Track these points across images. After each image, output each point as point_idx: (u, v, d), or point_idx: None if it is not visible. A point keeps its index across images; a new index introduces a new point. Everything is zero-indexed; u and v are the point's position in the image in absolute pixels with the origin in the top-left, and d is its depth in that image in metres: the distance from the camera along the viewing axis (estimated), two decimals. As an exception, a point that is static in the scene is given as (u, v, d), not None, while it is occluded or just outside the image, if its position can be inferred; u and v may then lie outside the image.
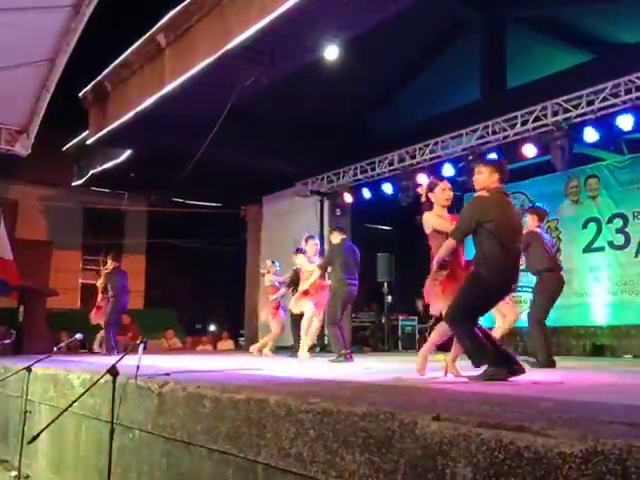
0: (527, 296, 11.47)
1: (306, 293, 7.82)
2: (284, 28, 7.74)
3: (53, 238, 18.73)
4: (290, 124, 11.31)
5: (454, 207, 5.18)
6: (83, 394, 4.08)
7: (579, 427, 1.98)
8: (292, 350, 9.16)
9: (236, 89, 8.87)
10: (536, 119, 8.87)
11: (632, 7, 8.96)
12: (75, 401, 4.06)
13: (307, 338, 7.87)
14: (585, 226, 10.40)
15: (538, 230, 6.57)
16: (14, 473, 5.42)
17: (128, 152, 12.86)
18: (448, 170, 10.20)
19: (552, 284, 6.34)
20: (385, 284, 12.39)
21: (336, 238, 7.82)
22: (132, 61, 10.53)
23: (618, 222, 9.98)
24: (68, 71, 9.01)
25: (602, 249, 10.17)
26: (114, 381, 3.71)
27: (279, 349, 10.29)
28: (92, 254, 21.86)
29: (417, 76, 11.53)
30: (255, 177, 12.94)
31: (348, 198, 12.07)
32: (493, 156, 9.02)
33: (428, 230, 4.94)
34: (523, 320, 6.72)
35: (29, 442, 4.02)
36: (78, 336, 5.88)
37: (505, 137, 9.30)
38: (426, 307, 5.04)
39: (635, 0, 8.80)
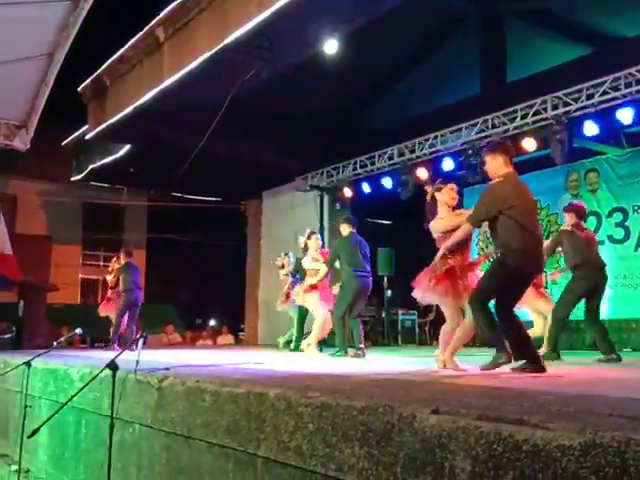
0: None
1: (314, 287, 7.70)
2: (283, 22, 7.72)
3: (53, 233, 18.74)
4: (290, 119, 11.29)
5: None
6: (83, 388, 4.09)
7: (578, 420, 1.99)
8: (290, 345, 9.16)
9: (235, 83, 8.84)
10: (536, 113, 8.86)
11: (632, 1, 8.94)
12: (75, 395, 4.07)
13: (315, 335, 7.73)
14: (585, 220, 10.39)
15: (569, 229, 6.49)
16: (14, 467, 5.44)
17: (127, 147, 12.85)
18: (448, 164, 10.19)
19: (575, 283, 6.31)
20: (385, 278, 12.39)
21: (345, 230, 7.66)
22: (131, 55, 10.52)
23: (618, 216, 9.97)
24: (67, 66, 8.99)
25: (602, 243, 10.13)
26: (114, 375, 3.71)
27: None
28: (92, 249, 21.88)
29: (417, 70, 11.49)
30: (255, 172, 12.94)
31: (348, 192, 12.06)
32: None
33: (436, 235, 4.99)
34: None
35: (29, 436, 4.02)
36: (78, 331, 5.87)
37: (505, 131, 9.28)
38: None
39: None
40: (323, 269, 7.64)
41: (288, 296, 9.10)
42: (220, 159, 11.74)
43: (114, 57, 10.91)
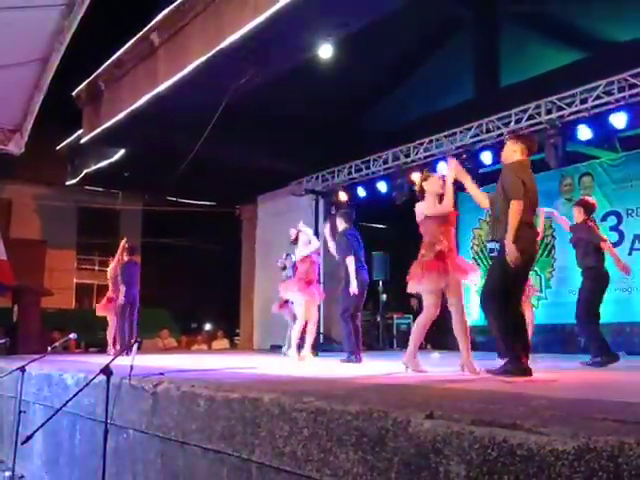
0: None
1: (299, 282, 7.60)
2: (278, 27, 7.73)
3: (47, 237, 18.70)
4: (285, 123, 11.30)
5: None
6: (77, 394, 4.07)
7: (571, 424, 1.99)
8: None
9: (230, 88, 8.85)
10: (530, 117, 8.89)
11: (625, 5, 9.00)
12: (69, 401, 4.05)
13: (294, 338, 7.61)
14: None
15: (580, 224, 6.42)
16: (8, 473, 5.40)
17: (122, 151, 12.83)
18: (443, 168, 10.21)
19: (586, 282, 6.31)
20: (380, 282, 12.40)
21: (341, 225, 7.46)
22: (126, 60, 10.52)
23: (612, 220, 10.01)
24: (62, 70, 8.97)
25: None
26: (108, 381, 3.70)
27: (277, 348, 10.23)
28: (86, 253, 21.85)
29: (411, 74, 11.54)
30: (250, 176, 12.94)
31: (343, 197, 12.07)
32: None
33: (419, 218, 5.13)
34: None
35: (23, 442, 4.00)
36: (72, 336, 5.86)
37: (499, 135, 9.31)
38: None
39: (628, -2, 8.85)
40: (315, 242, 7.57)
41: (287, 301, 9.03)
42: (215, 163, 11.74)
43: (109, 61, 10.90)
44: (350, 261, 6.94)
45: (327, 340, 11.80)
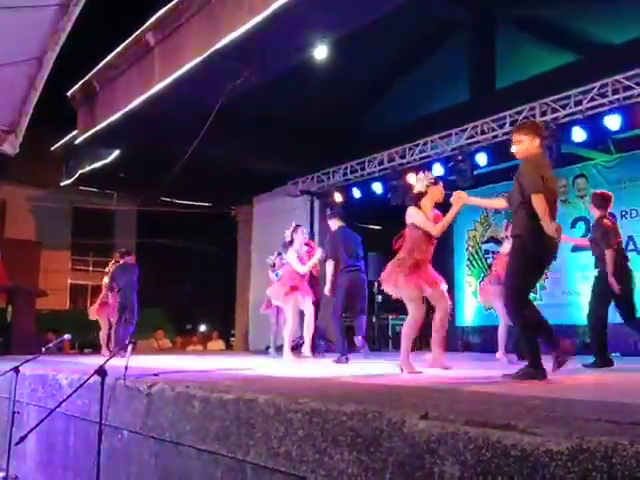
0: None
1: (294, 288, 7.53)
2: (273, 28, 7.72)
3: (42, 238, 18.65)
4: (280, 124, 11.30)
5: (442, 206, 5.30)
6: (71, 395, 4.06)
7: (565, 425, 2.00)
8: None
9: (226, 88, 8.84)
10: (525, 119, 8.90)
11: (619, 8, 9.03)
12: (63, 402, 4.04)
13: (286, 340, 7.55)
14: (574, 225, 10.45)
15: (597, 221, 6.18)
16: (2, 474, 5.38)
17: (117, 152, 12.80)
18: (438, 170, 10.21)
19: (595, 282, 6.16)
20: (375, 283, 12.39)
21: (334, 224, 7.46)
22: (120, 61, 10.49)
23: (606, 221, 10.04)
24: (57, 70, 8.95)
25: (591, 249, 10.21)
26: (102, 382, 3.69)
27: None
28: (81, 254, 21.80)
29: (406, 76, 11.56)
30: (245, 177, 12.93)
31: (338, 198, 12.07)
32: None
33: (409, 221, 5.25)
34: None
35: (17, 443, 3.99)
36: (66, 336, 5.84)
37: (494, 137, 9.33)
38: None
39: (622, 1, 8.88)
40: (319, 252, 7.51)
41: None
42: (211, 164, 11.73)
43: (104, 62, 10.87)
44: (329, 265, 7.19)
45: (324, 340, 11.78)
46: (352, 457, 2.45)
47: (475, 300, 11.44)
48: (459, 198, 4.97)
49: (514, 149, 4.48)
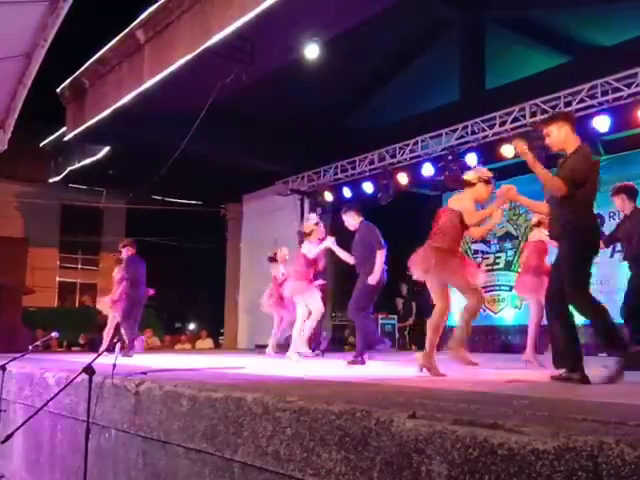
0: (505, 294, 11.60)
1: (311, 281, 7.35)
2: (264, 26, 7.73)
3: (30, 235, 18.46)
4: (271, 123, 11.30)
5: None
6: (58, 393, 4.04)
7: (552, 424, 2.01)
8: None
9: (216, 86, 8.82)
10: (514, 120, 8.96)
11: (609, 11, 9.10)
12: (50, 400, 4.01)
13: (294, 338, 7.40)
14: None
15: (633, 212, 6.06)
16: (-12, 473, 5.35)
17: (106, 149, 12.76)
18: (428, 169, 10.26)
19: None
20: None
21: (356, 220, 7.07)
22: (110, 57, 10.45)
23: (595, 222, 10.09)
24: (46, 66, 8.89)
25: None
26: (90, 380, 3.67)
27: (261, 348, 10.13)
28: (70, 252, 21.65)
29: (397, 76, 11.58)
30: (236, 175, 12.91)
31: (328, 197, 12.08)
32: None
33: (456, 205, 4.76)
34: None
35: (3, 441, 3.95)
36: (54, 334, 5.80)
37: (484, 137, 9.38)
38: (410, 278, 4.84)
39: (612, 4, 8.94)
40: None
41: (282, 298, 8.46)
42: (201, 162, 11.71)
43: (94, 58, 10.83)
44: (380, 254, 6.57)
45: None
46: (340, 456, 2.45)
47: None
48: (507, 192, 4.53)
49: (548, 142, 4.35)
